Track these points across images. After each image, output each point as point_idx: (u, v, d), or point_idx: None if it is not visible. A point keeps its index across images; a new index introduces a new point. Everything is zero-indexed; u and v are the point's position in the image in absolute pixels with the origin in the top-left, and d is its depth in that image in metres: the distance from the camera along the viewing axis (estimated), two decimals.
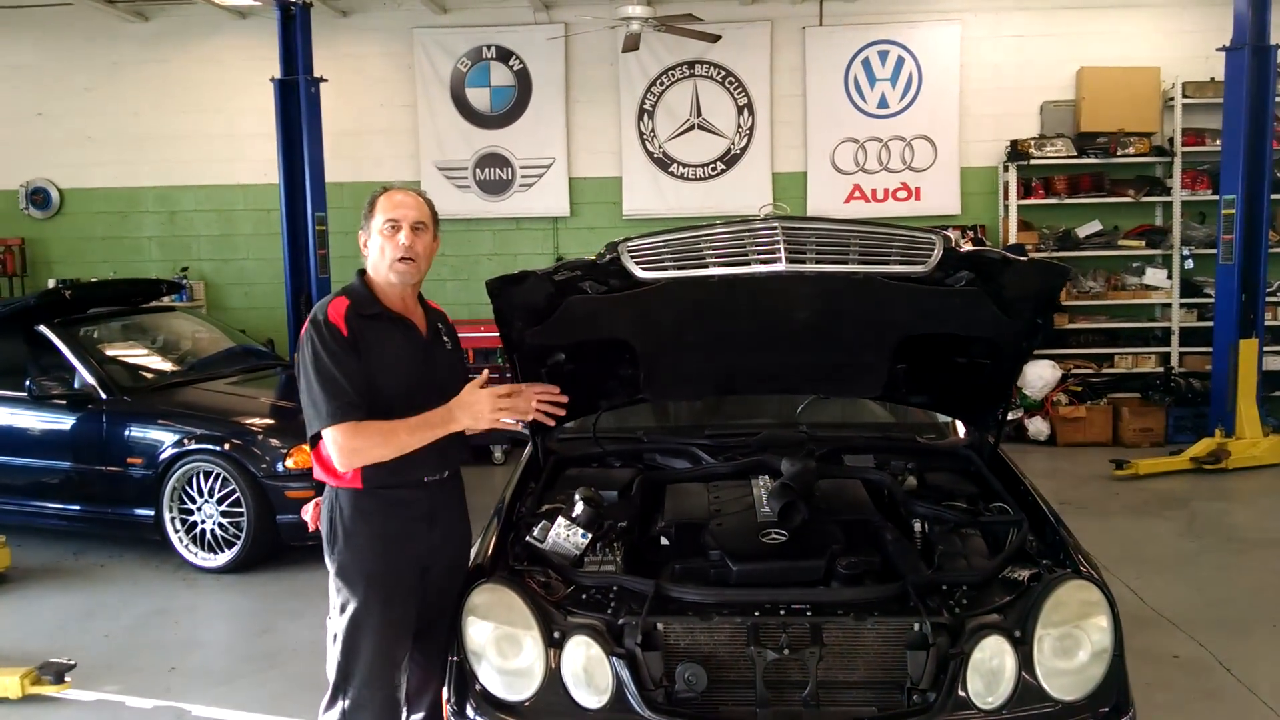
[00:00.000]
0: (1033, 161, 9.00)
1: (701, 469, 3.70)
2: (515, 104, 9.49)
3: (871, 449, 3.83)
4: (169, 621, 5.16)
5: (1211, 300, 8.73)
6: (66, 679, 4.28)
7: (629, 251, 2.76)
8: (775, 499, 3.15)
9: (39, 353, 6.43)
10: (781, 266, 2.63)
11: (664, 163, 9.47)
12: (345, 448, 2.69)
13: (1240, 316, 7.95)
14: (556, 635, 2.72)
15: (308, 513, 3.03)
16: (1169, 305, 9.10)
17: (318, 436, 2.74)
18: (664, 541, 3.21)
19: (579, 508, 3.10)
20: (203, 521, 5.88)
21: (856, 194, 9.36)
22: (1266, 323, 8.25)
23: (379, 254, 2.82)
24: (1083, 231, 9.07)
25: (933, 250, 2.70)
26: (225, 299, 9.89)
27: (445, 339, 3.02)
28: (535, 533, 3.10)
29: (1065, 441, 8.67)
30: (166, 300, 8.54)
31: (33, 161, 9.79)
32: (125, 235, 9.89)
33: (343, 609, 2.82)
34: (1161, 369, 8.98)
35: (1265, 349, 8.18)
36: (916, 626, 2.67)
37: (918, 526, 3.24)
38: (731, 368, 3.54)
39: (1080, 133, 9.09)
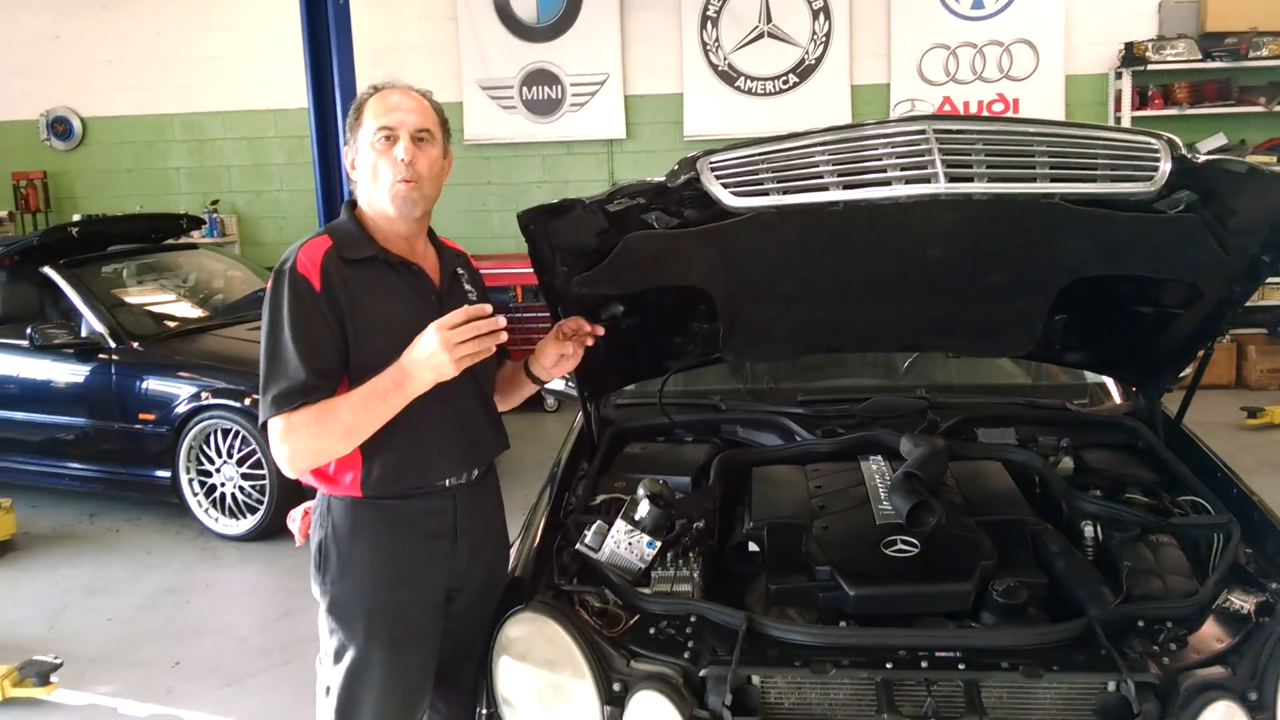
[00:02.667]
0: (1150, 67, 7.89)
1: (795, 446, 2.94)
2: (565, 13, 8.57)
3: (1011, 420, 3.02)
4: (180, 601, 4.60)
5: None
6: (53, 679, 3.72)
7: (713, 169, 1.95)
8: (899, 496, 2.38)
9: (46, 297, 5.88)
10: (939, 186, 1.81)
11: (729, 76, 8.53)
12: (280, 448, 1.97)
13: None
14: (616, 688, 2.03)
15: (294, 522, 2.36)
16: None
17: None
18: (753, 548, 2.49)
19: (643, 507, 2.36)
20: (222, 484, 5.30)
21: (947, 107, 8.32)
22: None
23: (370, 176, 2.08)
24: (1204, 146, 7.96)
25: (1157, 161, 1.86)
26: (258, 233, 9.24)
27: (468, 287, 2.26)
28: (588, 539, 2.38)
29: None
30: (196, 236, 7.96)
31: (52, 88, 9.09)
32: (152, 166, 9.24)
33: (337, 656, 2.13)
34: None
35: None
36: (1113, 686, 1.92)
37: (1089, 530, 2.46)
38: (837, 320, 2.74)
39: (1205, 33, 7.94)
